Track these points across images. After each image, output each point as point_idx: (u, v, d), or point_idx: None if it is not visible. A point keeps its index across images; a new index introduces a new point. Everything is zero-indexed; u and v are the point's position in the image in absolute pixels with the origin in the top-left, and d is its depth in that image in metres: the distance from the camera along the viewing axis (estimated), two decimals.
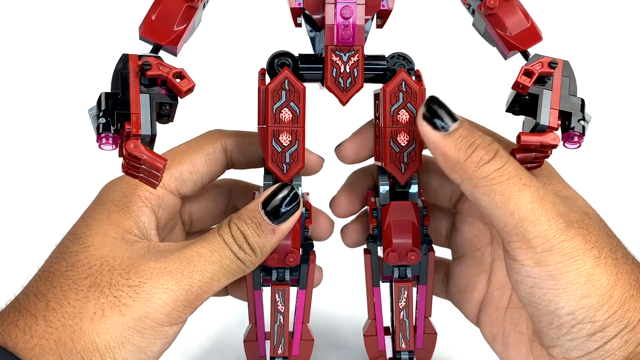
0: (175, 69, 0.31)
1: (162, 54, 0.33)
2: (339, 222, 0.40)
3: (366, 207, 0.40)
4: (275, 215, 0.33)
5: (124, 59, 0.31)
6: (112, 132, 0.30)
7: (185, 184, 0.36)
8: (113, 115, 0.30)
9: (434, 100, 0.33)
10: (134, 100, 0.30)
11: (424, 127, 0.32)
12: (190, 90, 0.31)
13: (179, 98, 0.32)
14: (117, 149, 0.31)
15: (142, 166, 0.30)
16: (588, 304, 0.31)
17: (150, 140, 0.31)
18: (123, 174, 0.32)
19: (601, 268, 0.31)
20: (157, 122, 0.32)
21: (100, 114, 0.30)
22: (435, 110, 0.32)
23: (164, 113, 0.32)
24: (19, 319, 0.30)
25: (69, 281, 0.31)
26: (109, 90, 0.31)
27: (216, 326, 0.46)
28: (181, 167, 0.36)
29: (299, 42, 0.37)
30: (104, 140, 0.30)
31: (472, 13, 0.37)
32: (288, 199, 0.33)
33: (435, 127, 0.32)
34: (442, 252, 0.41)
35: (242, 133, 0.38)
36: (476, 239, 0.39)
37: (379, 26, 0.37)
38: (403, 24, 0.38)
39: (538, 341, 0.35)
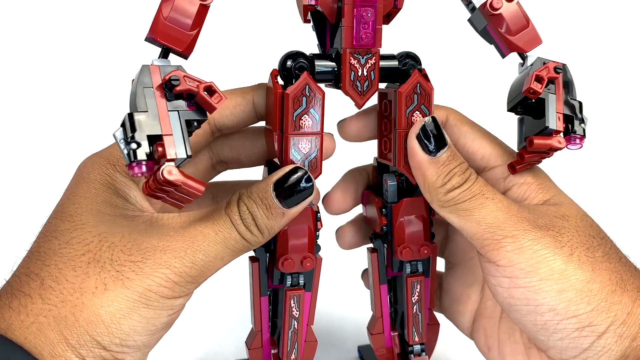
0: (204, 82, 0.29)
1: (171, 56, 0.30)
2: (334, 224, 0.40)
3: (359, 212, 0.40)
4: (286, 198, 0.32)
5: (145, 72, 0.28)
6: (146, 156, 0.27)
7: None
8: (143, 139, 0.27)
9: (431, 122, 0.34)
10: (164, 120, 0.27)
11: (414, 146, 0.34)
12: (221, 104, 0.29)
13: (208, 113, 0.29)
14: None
15: (176, 191, 0.28)
16: (567, 298, 0.31)
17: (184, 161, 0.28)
18: (98, 150, 0.31)
19: (574, 264, 0.32)
20: None
21: (129, 139, 0.27)
22: (430, 134, 0.34)
23: (192, 130, 0.29)
24: (12, 301, 0.29)
25: (64, 258, 0.30)
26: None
27: (217, 327, 0.45)
28: None
29: (299, 36, 0.36)
30: (136, 169, 0.27)
31: (472, 10, 0.38)
32: (303, 189, 0.32)
33: (424, 149, 0.33)
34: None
35: (224, 93, 0.36)
36: (469, 247, 0.40)
37: (385, 22, 0.36)
38: (404, 19, 0.37)
39: (535, 347, 0.36)
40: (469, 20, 0.38)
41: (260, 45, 0.36)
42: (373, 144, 0.39)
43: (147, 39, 0.30)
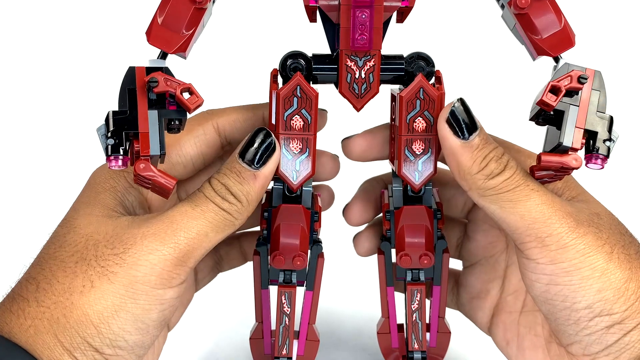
0: (183, 84, 0.30)
1: (171, 56, 0.32)
2: (350, 230, 0.40)
3: (378, 215, 0.40)
4: (253, 161, 0.32)
5: (131, 73, 0.30)
6: (122, 152, 0.30)
7: (174, 167, 0.35)
8: (122, 135, 0.30)
9: (460, 104, 0.32)
10: (142, 119, 0.30)
11: (445, 132, 0.32)
12: (199, 106, 0.30)
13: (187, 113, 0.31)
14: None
15: (152, 183, 0.30)
16: (605, 297, 0.31)
17: (159, 157, 0.31)
18: None
19: (614, 263, 0.32)
20: (166, 133, 0.31)
21: (109, 134, 0.30)
22: (459, 117, 0.32)
23: (174, 127, 0.31)
24: (12, 305, 0.30)
25: (57, 261, 0.31)
26: (115, 103, 0.30)
27: (217, 327, 0.47)
28: (168, 149, 0.34)
29: (314, 37, 0.36)
30: (113, 163, 0.30)
31: (502, 7, 0.35)
32: (265, 143, 0.32)
33: (456, 133, 0.32)
34: (451, 263, 0.40)
35: (235, 109, 0.37)
36: (491, 245, 0.39)
37: (399, 21, 0.35)
38: (425, 18, 0.36)
39: (555, 341, 0.35)
40: (502, 17, 0.35)
41: (275, 46, 0.36)
42: None
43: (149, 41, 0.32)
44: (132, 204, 0.34)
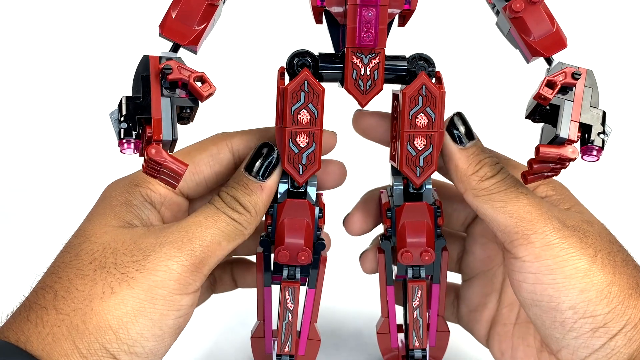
0: (196, 72, 0.31)
1: (182, 51, 0.33)
2: (356, 244, 0.40)
3: (381, 233, 0.40)
4: (259, 174, 0.34)
5: (145, 61, 0.31)
6: (134, 136, 0.30)
7: (187, 184, 0.36)
8: (134, 120, 0.30)
9: (459, 116, 0.36)
10: (155, 105, 0.30)
11: (445, 138, 0.36)
12: (211, 94, 0.31)
13: (199, 102, 0.32)
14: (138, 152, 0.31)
15: (163, 169, 0.31)
16: (587, 298, 0.32)
17: (170, 144, 0.31)
18: (127, 174, 0.33)
19: (597, 265, 0.33)
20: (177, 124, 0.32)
21: (122, 119, 0.30)
22: (459, 126, 0.36)
23: (184, 116, 0.32)
24: (30, 314, 0.31)
25: (74, 269, 0.31)
26: (129, 93, 0.31)
27: (217, 326, 0.47)
28: None
29: (318, 39, 0.37)
30: (125, 146, 0.30)
31: (497, 13, 0.37)
32: (269, 157, 0.35)
33: (454, 139, 0.36)
34: (451, 277, 0.41)
35: (249, 131, 0.38)
36: (488, 259, 0.40)
37: (401, 24, 0.37)
38: (425, 22, 0.37)
39: (546, 350, 0.36)
40: (497, 24, 0.37)
41: (281, 46, 0.37)
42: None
43: (160, 35, 0.33)
44: (149, 217, 0.35)
